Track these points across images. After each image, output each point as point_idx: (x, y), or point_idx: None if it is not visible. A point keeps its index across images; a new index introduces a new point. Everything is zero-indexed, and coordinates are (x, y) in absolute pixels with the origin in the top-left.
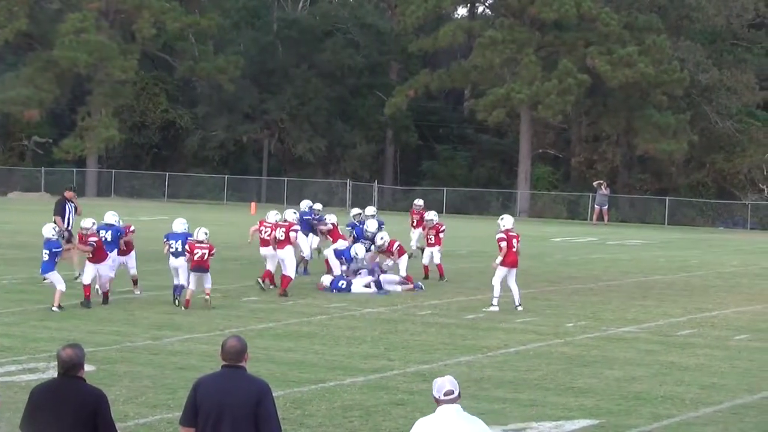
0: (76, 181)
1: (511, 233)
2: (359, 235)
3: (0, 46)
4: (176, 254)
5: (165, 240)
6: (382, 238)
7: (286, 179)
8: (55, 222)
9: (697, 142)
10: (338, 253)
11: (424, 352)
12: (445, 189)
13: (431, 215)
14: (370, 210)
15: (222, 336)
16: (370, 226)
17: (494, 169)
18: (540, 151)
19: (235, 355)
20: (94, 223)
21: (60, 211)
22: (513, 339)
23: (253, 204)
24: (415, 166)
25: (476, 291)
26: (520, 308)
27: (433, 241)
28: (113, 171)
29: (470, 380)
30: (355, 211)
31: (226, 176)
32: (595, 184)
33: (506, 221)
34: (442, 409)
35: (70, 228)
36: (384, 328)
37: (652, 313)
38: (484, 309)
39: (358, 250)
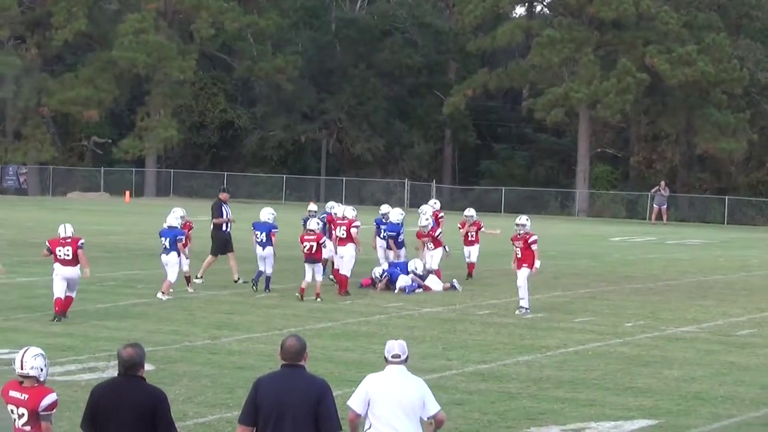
0: (135, 182)
1: None
2: (386, 230)
3: (59, 46)
4: (262, 244)
5: (252, 229)
6: (427, 219)
7: (344, 179)
8: (213, 224)
9: (757, 140)
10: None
11: (482, 351)
12: (503, 188)
13: (471, 211)
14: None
15: (280, 336)
16: (393, 216)
17: (553, 168)
18: (599, 150)
19: (294, 354)
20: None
21: (218, 213)
22: (572, 339)
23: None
24: (473, 166)
25: (535, 291)
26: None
27: (473, 239)
28: (172, 171)
29: (529, 380)
30: (385, 208)
31: (285, 176)
32: (653, 191)
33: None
34: (389, 368)
35: (228, 230)
36: (442, 328)
37: (711, 313)
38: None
39: (417, 264)
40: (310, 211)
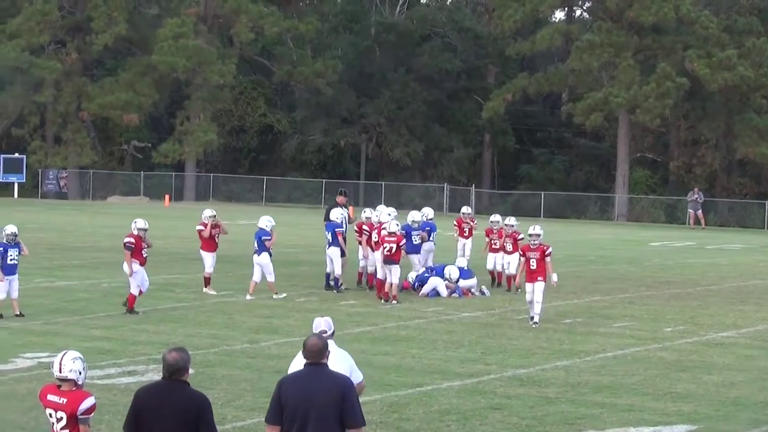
0: (175, 186)
1: None
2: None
3: (100, 51)
4: (328, 244)
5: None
6: (516, 220)
7: (383, 183)
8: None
9: None
10: (418, 278)
11: (521, 356)
12: (542, 193)
13: (497, 217)
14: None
15: None
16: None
17: (592, 173)
18: (638, 155)
19: (316, 353)
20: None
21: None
22: (611, 343)
23: (350, 208)
24: (512, 170)
25: (573, 295)
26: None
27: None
28: (211, 175)
29: (568, 384)
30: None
31: (324, 180)
32: (688, 197)
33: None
34: None
35: (344, 232)
36: (481, 332)
37: (751, 318)
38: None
39: (452, 271)
40: (367, 217)
